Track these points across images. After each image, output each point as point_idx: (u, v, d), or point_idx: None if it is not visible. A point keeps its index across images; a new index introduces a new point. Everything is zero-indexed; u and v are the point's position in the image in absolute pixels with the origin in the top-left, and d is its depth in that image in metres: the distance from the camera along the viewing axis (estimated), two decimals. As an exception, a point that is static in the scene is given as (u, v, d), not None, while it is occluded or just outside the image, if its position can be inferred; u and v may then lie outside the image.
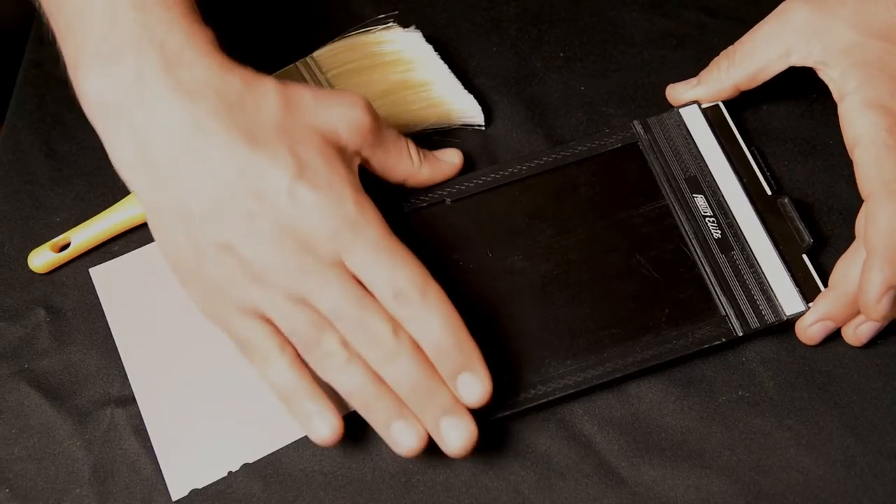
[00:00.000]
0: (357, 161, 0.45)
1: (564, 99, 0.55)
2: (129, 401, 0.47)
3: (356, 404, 0.42)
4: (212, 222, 0.41)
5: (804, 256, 0.47)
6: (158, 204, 0.42)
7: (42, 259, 0.50)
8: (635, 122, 0.51)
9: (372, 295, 0.41)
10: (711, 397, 0.46)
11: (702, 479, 0.44)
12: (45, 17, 0.45)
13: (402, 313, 0.41)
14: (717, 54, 0.53)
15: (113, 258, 0.51)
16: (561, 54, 0.57)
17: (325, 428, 0.42)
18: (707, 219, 0.48)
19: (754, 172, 0.49)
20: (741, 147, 0.50)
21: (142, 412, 0.47)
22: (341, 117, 0.44)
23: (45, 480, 0.45)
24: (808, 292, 0.46)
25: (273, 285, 0.41)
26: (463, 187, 0.49)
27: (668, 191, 0.49)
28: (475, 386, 0.41)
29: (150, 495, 0.45)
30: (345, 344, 0.41)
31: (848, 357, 0.47)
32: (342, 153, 0.43)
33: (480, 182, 0.49)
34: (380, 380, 0.41)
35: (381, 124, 0.46)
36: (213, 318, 0.43)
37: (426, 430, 0.42)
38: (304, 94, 0.43)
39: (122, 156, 0.42)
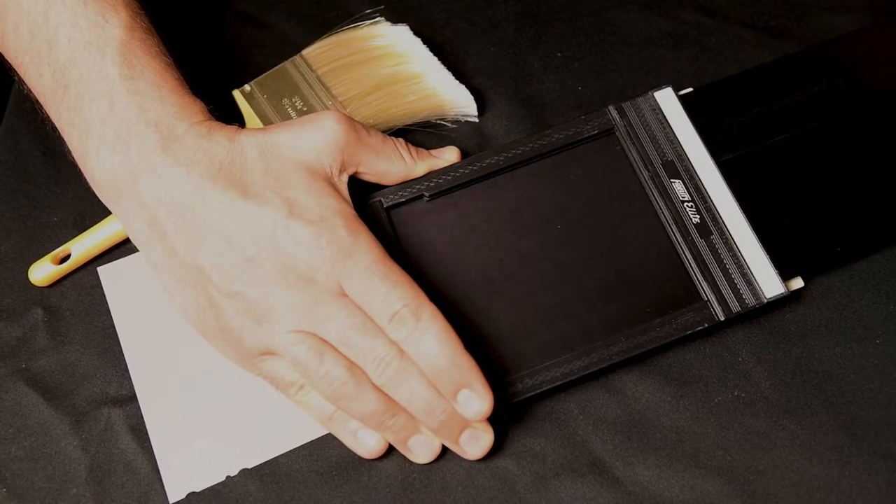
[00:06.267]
0: (346, 177, 0.46)
1: (562, 98, 0.55)
2: (126, 400, 0.47)
3: (371, 427, 0.44)
4: (221, 274, 0.42)
5: None
6: (174, 271, 0.44)
7: (42, 272, 0.50)
8: (610, 107, 0.50)
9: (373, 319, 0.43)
10: (707, 397, 0.46)
11: (696, 479, 0.44)
12: (40, 108, 0.47)
13: (398, 336, 0.42)
14: (715, 54, 0.53)
15: (113, 260, 0.51)
16: (559, 54, 0.57)
17: (371, 440, 0.45)
18: (685, 204, 0.48)
19: None
20: None
21: (143, 413, 0.47)
22: (318, 140, 0.45)
23: (42, 480, 0.46)
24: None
25: (279, 322, 0.42)
26: (440, 180, 0.49)
27: (645, 177, 0.49)
28: (475, 402, 0.42)
29: (146, 495, 0.45)
30: (350, 369, 0.42)
31: (844, 357, 0.47)
32: (329, 180, 0.45)
33: (458, 174, 0.49)
34: (390, 399, 0.43)
35: (361, 131, 0.47)
36: (243, 367, 0.45)
37: (440, 443, 0.45)
38: (279, 134, 0.45)
39: (136, 231, 0.44)
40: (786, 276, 0.46)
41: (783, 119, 0.51)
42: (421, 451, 0.45)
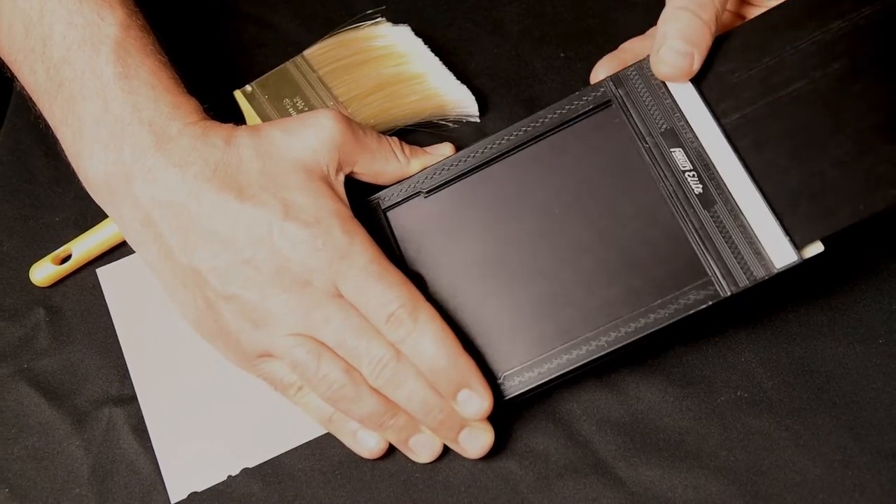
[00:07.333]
0: (342, 177, 0.46)
1: (564, 99, 0.55)
2: (127, 400, 0.47)
3: (371, 427, 0.44)
4: (217, 277, 0.42)
5: None
6: (171, 272, 0.44)
7: (44, 272, 0.50)
8: (607, 78, 0.48)
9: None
10: (710, 397, 0.46)
11: (699, 479, 0.44)
12: (34, 106, 0.47)
13: (395, 337, 0.42)
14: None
15: (113, 261, 0.51)
16: (562, 55, 0.57)
17: (371, 441, 0.44)
18: (687, 173, 0.45)
19: None
20: None
21: (144, 413, 0.47)
22: (314, 138, 0.45)
23: (45, 480, 0.45)
24: None
25: (276, 325, 0.42)
26: (437, 175, 0.48)
27: (644, 149, 0.46)
28: (475, 402, 0.42)
29: (148, 495, 0.45)
30: (348, 372, 0.42)
31: (847, 357, 0.47)
32: (325, 180, 0.45)
33: (454, 168, 0.48)
34: (388, 400, 0.43)
35: (357, 130, 0.46)
36: (242, 368, 0.45)
37: (441, 442, 0.44)
38: (275, 133, 0.45)
39: (131, 231, 0.44)
40: (802, 245, 0.42)
41: (799, 65, 0.45)
42: (422, 450, 0.45)
